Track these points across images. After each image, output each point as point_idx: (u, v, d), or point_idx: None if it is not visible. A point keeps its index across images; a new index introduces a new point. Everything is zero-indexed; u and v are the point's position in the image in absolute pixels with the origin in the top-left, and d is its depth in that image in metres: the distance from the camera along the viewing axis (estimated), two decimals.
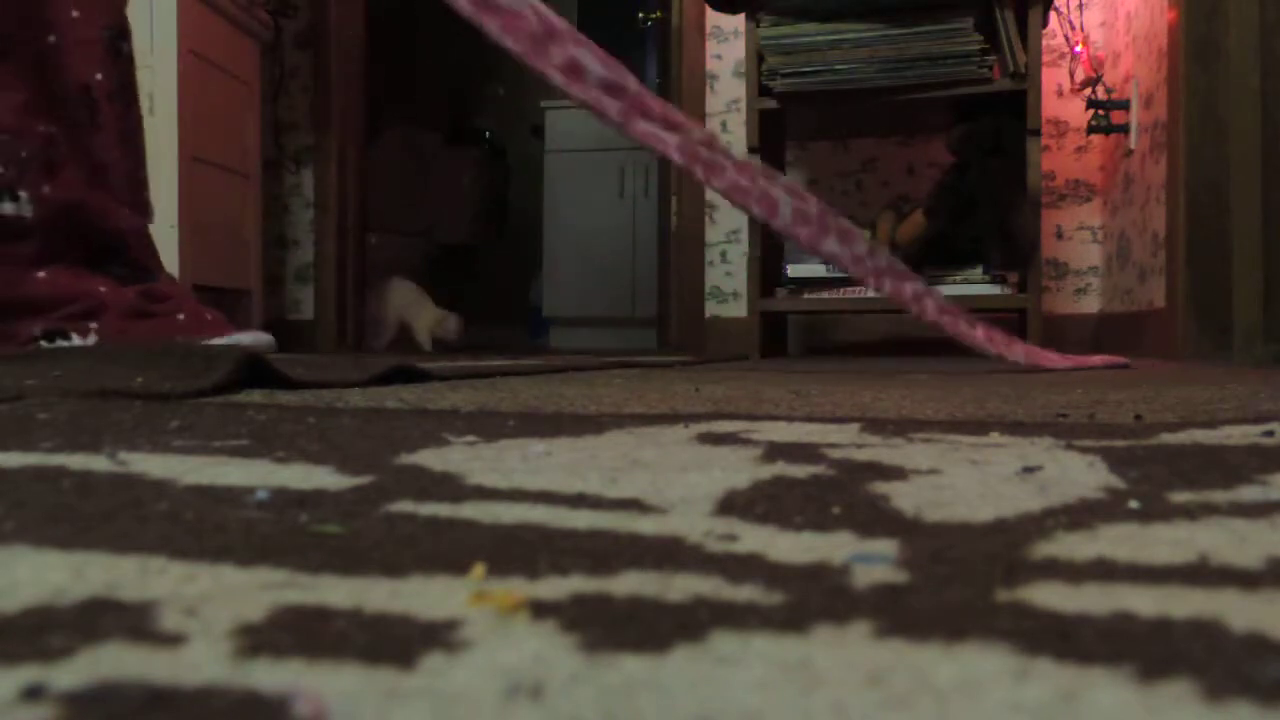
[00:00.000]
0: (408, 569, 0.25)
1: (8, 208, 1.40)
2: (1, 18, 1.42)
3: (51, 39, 1.43)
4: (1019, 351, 1.55)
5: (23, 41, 1.43)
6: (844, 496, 0.35)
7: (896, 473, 0.40)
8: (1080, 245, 2.91)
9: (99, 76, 1.45)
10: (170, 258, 2.10)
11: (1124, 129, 2.50)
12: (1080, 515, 0.32)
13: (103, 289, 1.44)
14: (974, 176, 2.35)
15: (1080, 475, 0.39)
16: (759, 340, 2.42)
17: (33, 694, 0.16)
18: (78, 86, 1.45)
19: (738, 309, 3.04)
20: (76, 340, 1.40)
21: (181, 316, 1.47)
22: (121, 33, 1.48)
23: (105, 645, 0.19)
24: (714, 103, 3.16)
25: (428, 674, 0.18)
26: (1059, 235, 2.91)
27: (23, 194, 1.41)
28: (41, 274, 1.42)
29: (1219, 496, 0.35)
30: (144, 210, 1.53)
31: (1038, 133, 2.23)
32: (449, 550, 0.27)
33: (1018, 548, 0.27)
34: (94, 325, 1.41)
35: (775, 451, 0.47)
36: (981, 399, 0.84)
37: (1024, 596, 0.23)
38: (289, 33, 3.09)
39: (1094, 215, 2.91)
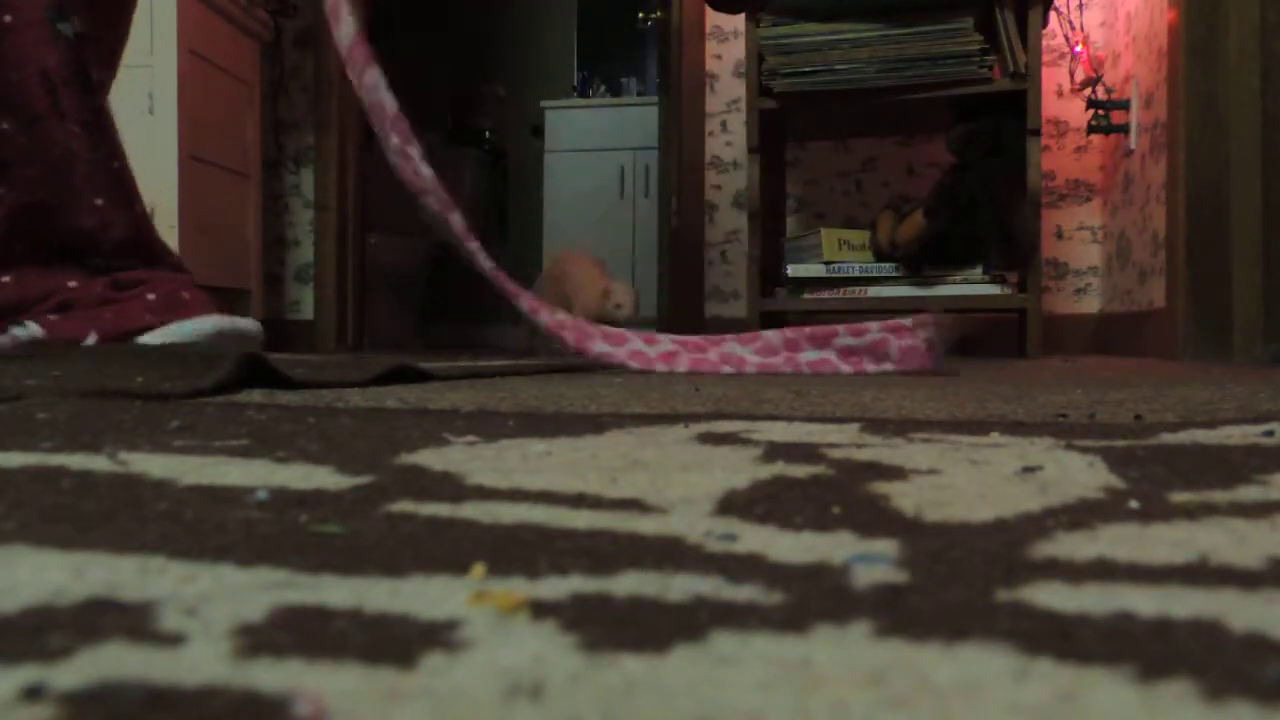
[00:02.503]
0: (408, 569, 0.25)
1: None
2: None
3: (8, 19, 1.36)
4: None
5: None
6: (844, 496, 0.35)
7: (896, 473, 0.40)
8: (1080, 245, 2.91)
9: (51, 60, 1.37)
10: None
11: (1124, 129, 2.50)
12: (1080, 515, 0.32)
13: (72, 283, 1.39)
14: (974, 177, 2.35)
15: (1080, 475, 0.39)
16: None
17: (33, 694, 0.16)
18: (36, 72, 1.37)
19: (738, 309, 3.04)
20: (34, 329, 1.35)
21: (152, 297, 1.40)
22: (60, 12, 1.38)
23: (105, 645, 0.19)
24: (714, 103, 3.17)
25: (428, 674, 0.18)
26: (1059, 235, 2.91)
27: None
28: (7, 278, 1.37)
29: (1219, 496, 0.35)
30: (122, 199, 1.43)
31: (1038, 133, 2.24)
32: (449, 550, 0.27)
33: (1018, 548, 0.27)
34: (54, 318, 1.35)
35: (775, 451, 0.47)
36: (981, 399, 0.84)
37: (1024, 596, 0.23)
38: (289, 33, 3.09)
39: (1094, 215, 2.91)
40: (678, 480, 0.38)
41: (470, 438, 0.51)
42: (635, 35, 4.42)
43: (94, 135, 1.40)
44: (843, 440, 0.51)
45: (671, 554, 0.27)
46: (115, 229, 1.42)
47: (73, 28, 1.39)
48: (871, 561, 0.26)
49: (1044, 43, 2.48)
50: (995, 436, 0.53)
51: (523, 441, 0.50)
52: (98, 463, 0.41)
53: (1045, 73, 2.61)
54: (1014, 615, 0.21)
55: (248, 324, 1.45)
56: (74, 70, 1.39)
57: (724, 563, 0.26)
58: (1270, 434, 0.53)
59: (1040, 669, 0.18)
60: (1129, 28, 2.58)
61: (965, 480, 0.38)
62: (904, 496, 0.35)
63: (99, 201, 1.41)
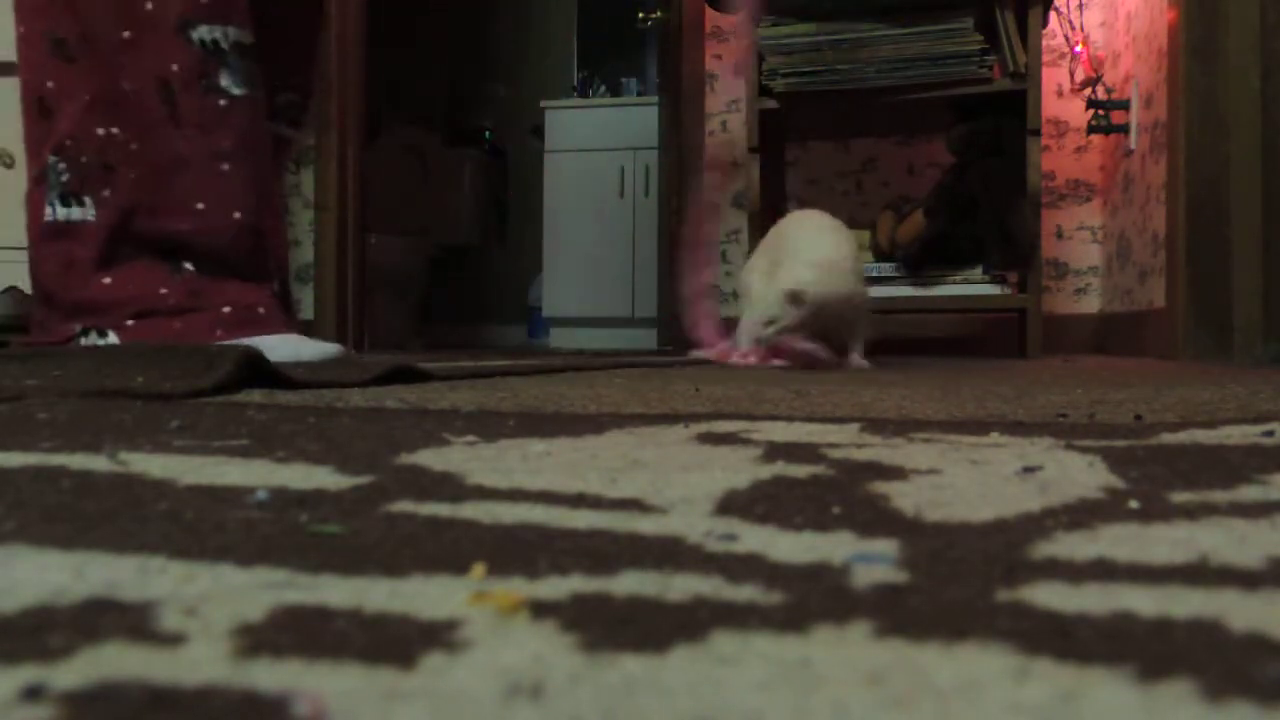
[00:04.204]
0: (408, 569, 0.25)
1: (75, 213, 1.41)
2: (84, 16, 1.41)
3: (127, 34, 1.41)
4: None
5: (95, 39, 1.41)
6: (844, 496, 0.35)
7: (896, 473, 0.40)
8: (1080, 245, 2.91)
9: (174, 67, 1.42)
10: None
11: (1124, 129, 2.50)
12: (1080, 515, 0.32)
13: (164, 290, 1.42)
14: (974, 176, 2.35)
15: (1080, 475, 0.39)
16: None
17: (33, 694, 0.16)
18: (154, 80, 1.42)
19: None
20: (113, 338, 1.39)
21: (227, 309, 1.43)
22: (191, 20, 1.44)
23: (105, 645, 0.19)
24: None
25: (428, 674, 0.18)
26: (1059, 235, 2.91)
27: (86, 199, 1.41)
28: (107, 279, 1.41)
29: (1219, 496, 0.35)
30: (224, 205, 1.45)
31: (1038, 133, 2.24)
32: (449, 550, 0.27)
33: (1018, 548, 0.27)
34: (131, 323, 1.39)
35: (775, 451, 0.47)
36: (981, 399, 0.84)
37: (1024, 596, 0.23)
38: None
39: (1094, 215, 2.91)
40: (678, 480, 0.38)
41: (470, 438, 0.51)
42: (635, 35, 4.42)
43: (211, 137, 1.44)
44: (843, 440, 0.51)
45: (671, 554, 0.27)
46: (211, 234, 1.45)
47: (202, 34, 1.44)
48: (871, 561, 0.26)
49: (1044, 43, 2.47)
50: (995, 436, 0.53)
51: (523, 441, 0.50)
52: (98, 463, 0.41)
53: (1045, 73, 2.61)
54: (1014, 615, 0.21)
55: (329, 347, 1.44)
56: (199, 75, 1.43)
57: (724, 563, 0.26)
58: (1270, 434, 0.53)
59: (1040, 669, 0.18)
60: (1129, 28, 2.58)
61: (965, 480, 0.38)
62: (904, 496, 0.35)
63: (200, 206, 1.44)
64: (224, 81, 1.45)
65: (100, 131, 1.42)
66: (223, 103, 1.45)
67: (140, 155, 1.42)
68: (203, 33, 1.44)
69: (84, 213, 1.41)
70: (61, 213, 1.41)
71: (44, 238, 1.43)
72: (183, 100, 1.43)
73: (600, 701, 0.16)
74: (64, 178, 1.41)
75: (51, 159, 1.42)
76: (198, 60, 1.43)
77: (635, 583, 0.24)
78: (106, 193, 1.41)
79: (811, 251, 1.52)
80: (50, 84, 1.43)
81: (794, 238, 1.60)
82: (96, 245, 1.41)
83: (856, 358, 1.58)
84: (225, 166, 1.45)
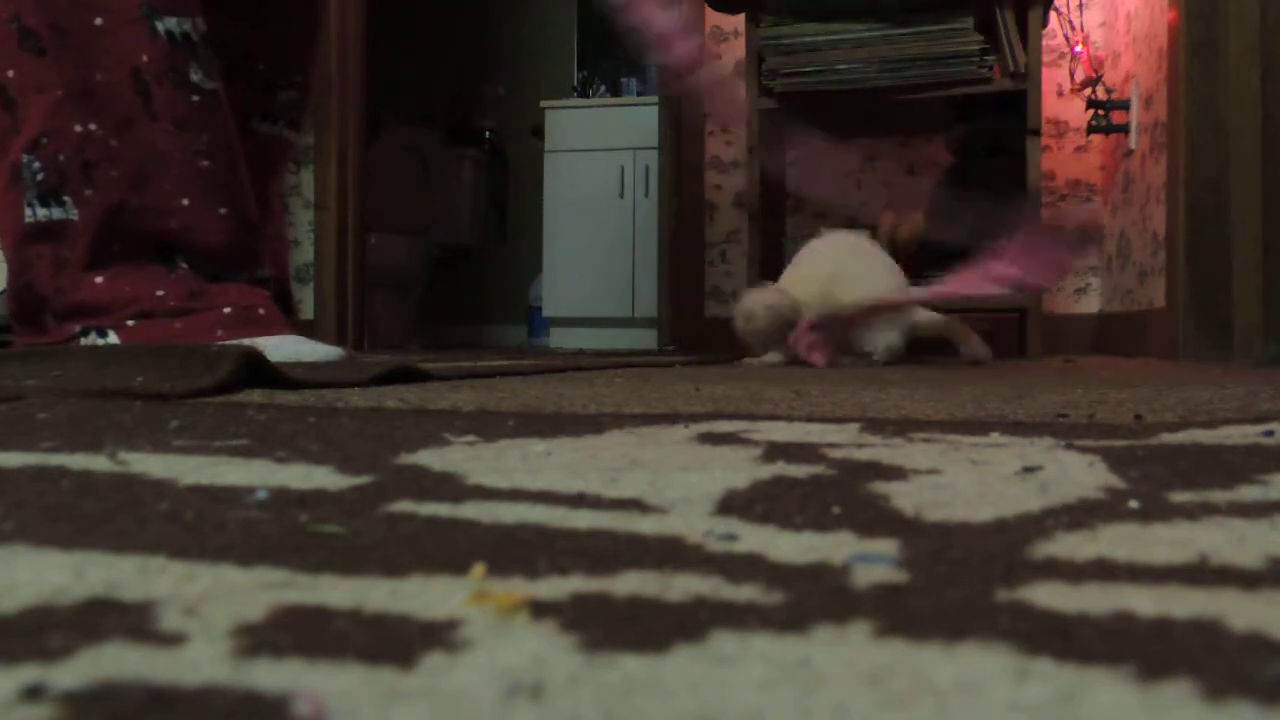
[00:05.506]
0: (408, 569, 0.25)
1: (56, 213, 1.38)
2: (52, 3, 1.37)
3: (99, 21, 1.37)
4: None
5: (67, 30, 1.37)
6: (844, 496, 0.35)
7: (896, 473, 0.40)
8: None
9: (145, 58, 1.38)
10: None
11: (1124, 129, 2.50)
12: (1080, 515, 0.32)
13: (160, 292, 1.40)
14: (974, 177, 2.35)
15: (1080, 475, 0.39)
16: None
17: (33, 694, 0.16)
18: (127, 71, 1.38)
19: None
20: (113, 338, 1.37)
21: (228, 310, 1.40)
22: (154, 9, 1.39)
23: (105, 645, 0.19)
24: None
25: (428, 674, 0.18)
26: None
27: (66, 198, 1.38)
28: (99, 279, 1.38)
29: (1219, 496, 0.35)
30: (209, 201, 1.42)
31: (1038, 133, 2.24)
32: (449, 550, 0.27)
33: (1018, 548, 0.27)
34: (132, 324, 1.37)
35: (775, 451, 0.47)
36: (981, 399, 0.84)
37: (1024, 596, 0.23)
38: None
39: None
40: (678, 480, 0.38)
41: (470, 438, 0.51)
42: (635, 35, 4.42)
43: (189, 133, 1.41)
44: (843, 440, 0.51)
45: (671, 554, 0.27)
46: (200, 232, 1.43)
47: (169, 26, 1.40)
48: (871, 561, 0.26)
49: (1044, 43, 2.47)
50: (995, 436, 0.53)
51: (523, 441, 0.50)
52: (98, 463, 0.41)
53: (1045, 73, 2.61)
54: (1014, 615, 0.21)
55: (330, 350, 1.40)
56: (171, 66, 1.40)
57: (724, 563, 0.26)
58: (1270, 434, 0.53)
59: (1040, 669, 0.18)
60: (1129, 28, 2.58)
61: (965, 480, 0.38)
62: (904, 496, 0.35)
63: (185, 202, 1.42)
64: (194, 75, 1.42)
65: (77, 128, 1.38)
66: (195, 98, 1.42)
67: (120, 152, 1.39)
68: (170, 24, 1.40)
69: (64, 212, 1.38)
70: (42, 213, 1.38)
71: (27, 240, 1.40)
72: (156, 93, 1.39)
73: (600, 701, 0.16)
74: (39, 176, 1.38)
75: (25, 158, 1.38)
76: (166, 52, 1.40)
77: (635, 583, 0.24)
78: (88, 192, 1.38)
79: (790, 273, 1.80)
80: (11, 73, 1.39)
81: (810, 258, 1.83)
82: (83, 245, 1.38)
83: (877, 355, 1.77)
84: (204, 163, 1.42)
